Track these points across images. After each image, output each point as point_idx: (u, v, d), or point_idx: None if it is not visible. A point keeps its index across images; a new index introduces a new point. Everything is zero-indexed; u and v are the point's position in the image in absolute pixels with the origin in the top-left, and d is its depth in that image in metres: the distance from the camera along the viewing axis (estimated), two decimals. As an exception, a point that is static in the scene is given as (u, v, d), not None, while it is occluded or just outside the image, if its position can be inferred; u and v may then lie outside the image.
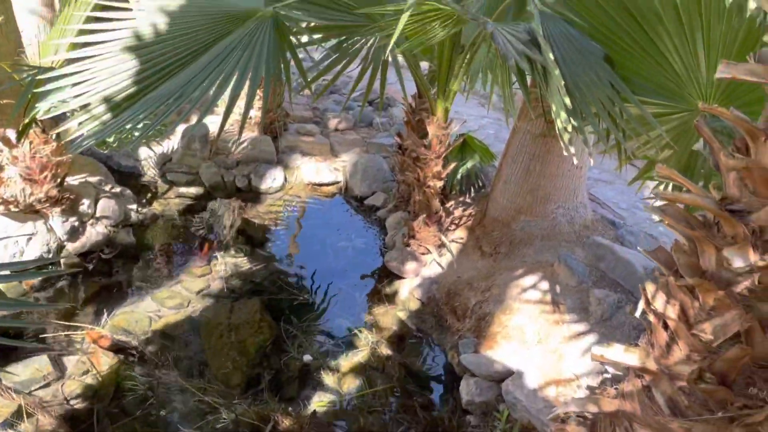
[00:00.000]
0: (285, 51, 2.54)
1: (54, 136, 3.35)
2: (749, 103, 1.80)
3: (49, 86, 2.43)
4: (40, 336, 2.94)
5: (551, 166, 3.31)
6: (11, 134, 3.28)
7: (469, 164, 3.95)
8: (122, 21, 2.48)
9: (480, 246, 3.56)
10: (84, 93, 2.35)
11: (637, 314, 1.72)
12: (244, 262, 3.75)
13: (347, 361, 3.04)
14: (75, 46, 2.78)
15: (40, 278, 3.35)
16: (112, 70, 2.38)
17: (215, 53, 2.41)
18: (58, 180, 3.48)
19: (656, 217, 1.56)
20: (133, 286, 3.45)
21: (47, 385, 2.65)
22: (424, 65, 3.56)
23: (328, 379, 2.90)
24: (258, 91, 2.43)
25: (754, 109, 1.77)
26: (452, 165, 3.54)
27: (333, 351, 3.11)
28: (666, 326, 1.57)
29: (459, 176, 3.95)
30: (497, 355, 2.89)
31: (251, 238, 4.08)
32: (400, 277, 3.64)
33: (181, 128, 4.58)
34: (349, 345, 3.15)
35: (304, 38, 2.72)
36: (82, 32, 2.74)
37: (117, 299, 3.31)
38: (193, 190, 4.49)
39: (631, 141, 2.14)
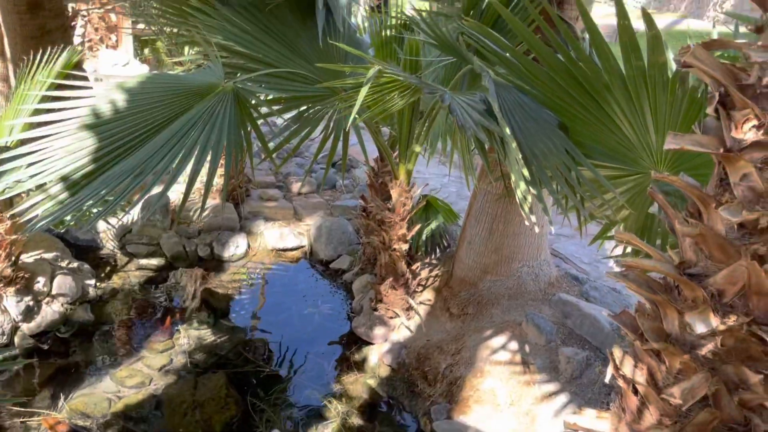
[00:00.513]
0: (246, 124, 2.56)
1: (8, 215, 3.27)
2: (699, 165, 1.86)
3: (3, 167, 2.39)
4: (-8, 425, 2.79)
5: (513, 226, 3.36)
6: (-37, 213, 3.19)
7: (433, 225, 3.98)
8: (79, 99, 2.47)
9: (448, 307, 3.55)
10: (40, 172, 2.31)
11: (607, 380, 1.72)
12: (207, 334, 3.65)
13: (317, 434, 2.95)
14: (31, 126, 2.75)
15: (-8, 363, 3.20)
16: (70, 149, 2.35)
17: (176, 128, 2.40)
18: (13, 259, 3.38)
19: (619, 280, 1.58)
20: (91, 366, 3.32)
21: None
22: (386, 129, 3.63)
23: (299, 454, 2.81)
24: (220, 159, 2.45)
25: (703, 171, 1.83)
26: (417, 227, 3.56)
27: (302, 424, 3.02)
28: (636, 391, 1.57)
29: (424, 237, 3.97)
30: (470, 420, 2.84)
31: (215, 309, 3.99)
32: (368, 343, 3.59)
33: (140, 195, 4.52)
34: (319, 417, 3.07)
35: (265, 109, 2.75)
36: (38, 111, 2.72)
37: (74, 381, 3.17)
38: (154, 262, 4.40)
39: (589, 204, 2.19)
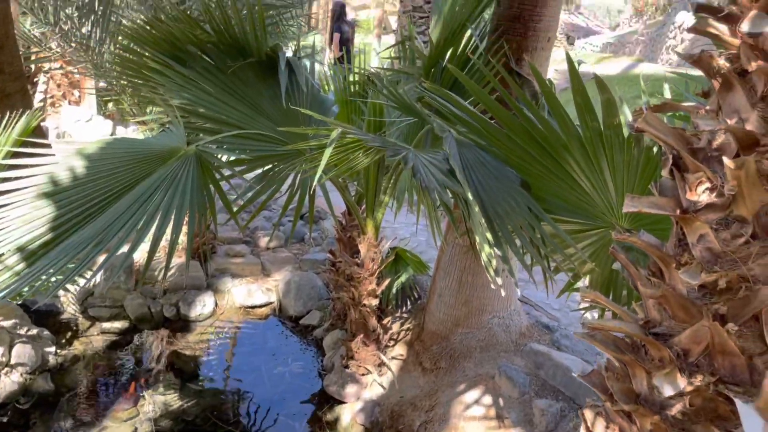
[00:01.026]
0: (209, 186, 2.53)
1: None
2: (660, 219, 1.90)
3: (-44, 239, 2.31)
4: None
5: (482, 277, 3.36)
6: None
7: (403, 278, 3.96)
8: (37, 167, 2.42)
9: (420, 362, 3.51)
10: (-5, 244, 2.24)
11: (580, 440, 1.71)
12: (174, 399, 3.53)
13: (290, 502, 2.85)
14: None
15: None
16: (26, 218, 2.29)
17: (137, 194, 2.37)
18: (-32, 329, 3.25)
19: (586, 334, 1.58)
20: (51, 440, 3.18)
21: None
22: (352, 184, 3.63)
23: None
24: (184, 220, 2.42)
25: (664, 225, 1.86)
26: (386, 281, 3.54)
27: (274, 492, 2.91)
28: (610, 453, 1.56)
29: (394, 290, 3.95)
30: (447, 481, 2.78)
31: (181, 372, 3.87)
32: (341, 402, 3.51)
33: (105, 255, 4.41)
34: (291, 483, 2.97)
35: (229, 171, 2.73)
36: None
37: (33, 456, 3.02)
38: (117, 325, 4.27)
39: (554, 259, 2.21)
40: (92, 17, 3.70)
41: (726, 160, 1.24)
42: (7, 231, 2.27)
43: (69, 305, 4.32)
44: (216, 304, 4.54)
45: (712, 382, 1.33)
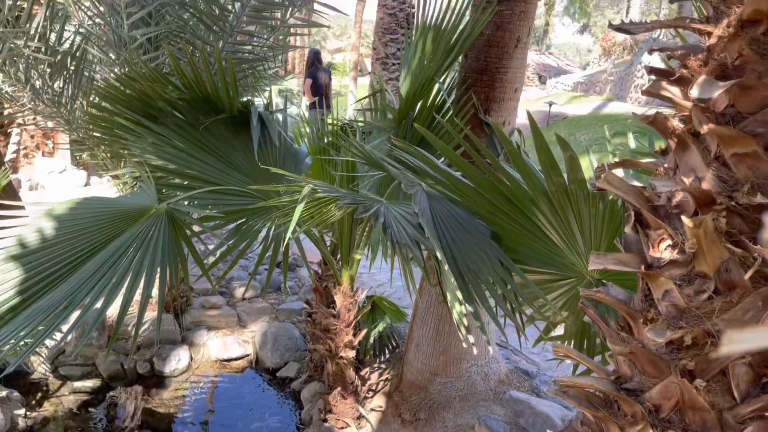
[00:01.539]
0: (181, 244, 2.52)
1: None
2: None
3: None
4: None
5: (459, 325, 3.35)
6: None
7: (380, 327, 3.93)
8: (5, 229, 2.39)
9: (399, 413, 3.46)
10: (-40, 310, 2.19)
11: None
12: (148, 461, 3.43)
13: None
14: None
15: None
16: (-7, 283, 2.25)
17: (108, 254, 2.35)
18: (-69, 394, 3.14)
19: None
20: None
21: None
22: (328, 234, 3.63)
23: None
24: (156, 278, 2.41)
25: (633, 276, 1.88)
26: (363, 331, 3.51)
27: None
28: None
29: (372, 340, 3.92)
30: None
31: (156, 430, 3.77)
32: (319, 457, 3.44)
33: (75, 315, 4.33)
34: None
35: (201, 227, 2.72)
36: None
37: None
38: (89, 384, 4.16)
39: (526, 309, 2.21)
40: (64, 73, 3.72)
41: (685, 219, 1.27)
42: (-27, 296, 2.22)
43: (39, 365, 4.21)
44: (191, 358, 4.45)
45: (684, 438, 1.34)
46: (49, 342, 4.03)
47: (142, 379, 4.26)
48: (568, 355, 1.63)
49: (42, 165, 8.54)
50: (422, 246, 1.95)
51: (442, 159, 2.46)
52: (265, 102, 3.66)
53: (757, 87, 1.19)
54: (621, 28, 1.35)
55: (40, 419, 3.74)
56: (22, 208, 2.47)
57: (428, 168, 2.07)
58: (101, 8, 3.75)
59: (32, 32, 3.42)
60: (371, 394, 3.70)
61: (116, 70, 3.69)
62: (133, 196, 2.69)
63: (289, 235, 2.30)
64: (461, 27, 2.79)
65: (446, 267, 1.69)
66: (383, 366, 3.91)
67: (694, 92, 1.19)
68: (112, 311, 4.43)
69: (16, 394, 3.74)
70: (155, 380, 4.26)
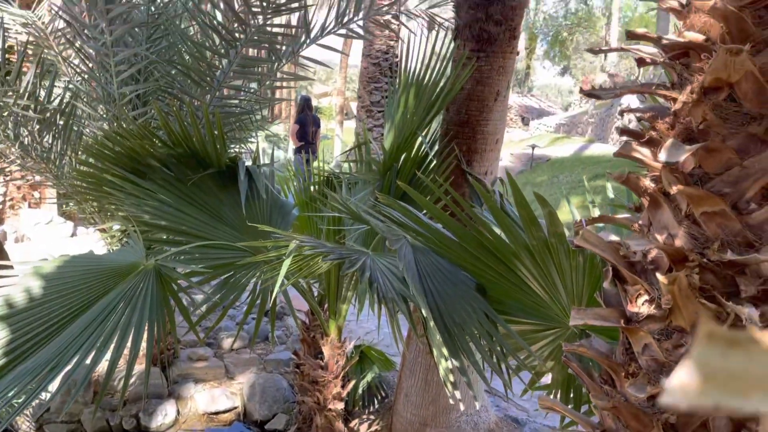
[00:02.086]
0: (169, 300, 2.53)
1: None
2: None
3: None
4: None
5: (448, 374, 3.35)
6: None
7: (369, 377, 3.92)
8: (-8, 289, 2.39)
9: (390, 465, 3.43)
10: (-56, 373, 2.17)
11: None
12: None
13: None
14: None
15: None
16: (-21, 345, 2.24)
17: (95, 313, 2.35)
18: None
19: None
20: None
21: None
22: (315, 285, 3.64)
23: None
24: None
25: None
26: (352, 382, 3.50)
27: None
28: None
29: (360, 390, 3.90)
30: None
31: (142, 489, 3.69)
32: None
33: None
34: None
35: (189, 282, 2.73)
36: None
37: None
38: (74, 441, 4.09)
39: (513, 359, 2.23)
40: (53, 130, 3.76)
41: (659, 276, 1.31)
42: (-43, 359, 2.21)
43: (23, 422, 4.13)
44: (178, 412, 4.38)
45: (670, 491, 1.36)
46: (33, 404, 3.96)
47: (128, 435, 4.19)
48: (553, 408, 1.65)
49: (28, 216, 8.50)
50: (408, 300, 1.97)
51: (426, 211, 2.51)
52: (253, 151, 3.72)
53: (721, 150, 1.25)
54: (591, 94, 1.41)
55: (23, 480, 3.66)
56: (10, 267, 2.47)
57: (412, 223, 2.11)
58: (91, 65, 3.83)
59: (21, 90, 3.47)
60: (361, 445, 3.66)
61: (105, 125, 3.74)
62: (120, 252, 2.71)
63: (277, 289, 2.33)
64: (442, 83, 2.88)
65: (432, 324, 1.72)
66: (372, 417, 3.88)
67: (662, 156, 1.25)
68: (99, 366, 4.37)
69: (-2, 454, 3.65)
70: (141, 436, 4.19)
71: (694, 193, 1.27)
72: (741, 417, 1.30)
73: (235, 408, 4.53)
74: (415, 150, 3.05)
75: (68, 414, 4.13)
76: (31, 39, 4.14)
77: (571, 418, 1.60)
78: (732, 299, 1.28)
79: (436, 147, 3.14)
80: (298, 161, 9.76)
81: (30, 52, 4.13)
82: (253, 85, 4.16)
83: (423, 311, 1.73)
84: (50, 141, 3.70)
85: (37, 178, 4.12)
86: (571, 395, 2.27)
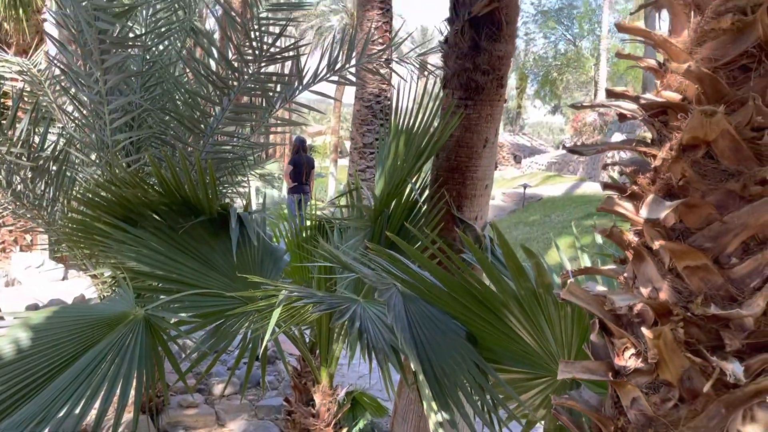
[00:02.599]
0: (158, 350, 2.51)
1: None
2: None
3: None
4: None
5: (441, 421, 3.31)
6: None
7: (361, 424, 3.87)
8: (-20, 341, 2.37)
9: None
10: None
11: None
12: None
13: None
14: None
15: None
16: (-36, 399, 2.21)
17: (84, 364, 2.33)
18: None
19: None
20: None
21: None
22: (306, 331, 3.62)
23: None
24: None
25: (604, 376, 1.91)
26: (344, 430, 3.45)
27: None
28: None
29: (353, 437, 3.84)
30: None
31: None
32: None
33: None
34: None
35: (179, 331, 2.72)
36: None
37: None
38: (60, 493, 3.98)
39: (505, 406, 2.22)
40: (46, 176, 3.78)
41: (645, 330, 1.32)
42: (-58, 414, 2.18)
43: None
44: (167, 462, 4.31)
45: None
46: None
47: (116, 486, 4.07)
48: (544, 460, 1.64)
49: (19, 260, 8.46)
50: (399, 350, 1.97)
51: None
52: (247, 191, 3.75)
53: (701, 206, 1.28)
54: (574, 150, 1.45)
55: None
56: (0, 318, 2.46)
57: (401, 273, 2.12)
58: (85, 112, 3.87)
59: (15, 139, 3.50)
60: (354, 495, 3.59)
61: (98, 171, 3.76)
62: (110, 302, 2.70)
63: (267, 337, 2.32)
64: (431, 131, 2.92)
65: (422, 377, 1.72)
66: (366, 465, 3.81)
67: (644, 213, 1.27)
68: (88, 416, 4.30)
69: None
70: (129, 487, 4.10)
71: (676, 248, 1.29)
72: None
73: (226, 457, 4.45)
74: (405, 196, 3.08)
75: (54, 465, 4.04)
76: (26, 87, 4.19)
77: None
78: (717, 353, 1.29)
79: (427, 192, 3.18)
80: (291, 202, 9.82)
81: (25, 98, 4.19)
82: (247, 130, 4.21)
83: (412, 364, 1.73)
84: (43, 188, 3.72)
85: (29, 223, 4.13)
86: (565, 444, 2.25)
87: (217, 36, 5.74)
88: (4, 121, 3.61)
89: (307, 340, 3.48)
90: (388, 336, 2.05)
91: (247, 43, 3.61)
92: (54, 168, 3.79)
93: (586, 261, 2.56)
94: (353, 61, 4.16)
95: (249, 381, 5.36)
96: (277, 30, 3.75)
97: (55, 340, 2.40)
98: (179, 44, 4.21)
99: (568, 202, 13.24)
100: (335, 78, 4.12)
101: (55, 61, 4.04)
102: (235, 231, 3.02)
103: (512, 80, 40.25)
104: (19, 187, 3.70)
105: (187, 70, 4.30)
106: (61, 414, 2.13)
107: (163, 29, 4.02)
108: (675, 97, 1.30)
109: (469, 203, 3.13)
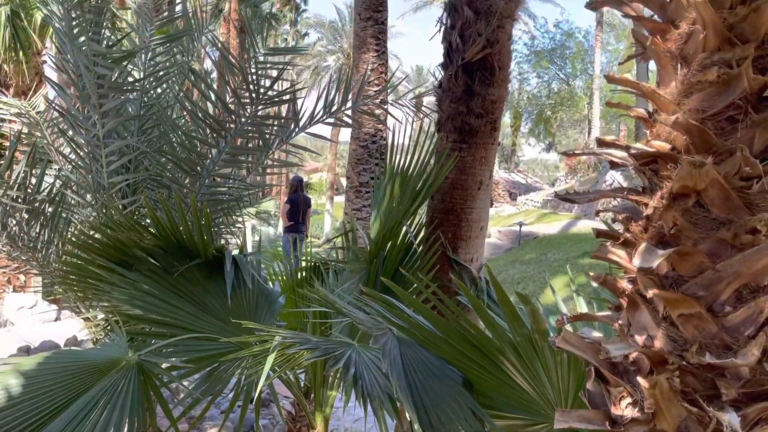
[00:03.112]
0: (151, 397, 2.48)
1: None
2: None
3: None
4: None
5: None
6: None
7: (357, 469, 3.79)
8: (-31, 388, 2.33)
9: None
10: None
11: None
12: None
13: None
14: None
15: None
16: (-49, 448, 2.17)
17: (74, 412, 2.29)
18: None
19: None
20: None
21: None
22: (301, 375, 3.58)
23: None
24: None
25: (602, 423, 1.88)
26: (339, 476, 3.39)
27: None
28: None
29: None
30: None
31: None
32: None
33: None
34: None
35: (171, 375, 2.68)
36: None
37: None
38: None
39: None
40: (41, 219, 3.78)
41: (641, 379, 1.31)
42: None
43: None
44: None
45: None
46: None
47: None
48: None
49: (12, 300, 8.39)
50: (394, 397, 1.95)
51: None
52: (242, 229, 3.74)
53: (693, 254, 1.28)
54: (566, 198, 1.46)
55: None
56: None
57: (396, 319, 2.11)
58: (81, 154, 3.89)
59: (11, 182, 3.51)
60: None
61: (93, 213, 3.76)
62: (103, 347, 2.67)
63: (261, 383, 2.29)
64: (426, 173, 2.95)
65: (416, 426, 1.70)
66: None
67: (636, 262, 1.28)
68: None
69: None
70: None
71: (670, 296, 1.29)
72: None
73: (219, 504, 4.34)
74: (401, 238, 3.08)
75: None
76: (23, 129, 4.22)
77: None
78: (714, 402, 1.28)
79: (422, 234, 3.18)
80: (286, 242, 9.80)
81: (23, 139, 4.21)
82: (243, 172, 4.23)
83: (408, 412, 1.71)
84: (38, 230, 3.71)
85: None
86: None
87: (214, 76, 5.82)
88: (1, 163, 3.63)
89: (302, 383, 3.43)
90: (384, 382, 2.03)
91: (245, 86, 3.65)
92: (50, 210, 3.79)
93: (581, 304, 2.55)
94: (349, 103, 4.21)
95: (243, 425, 5.27)
96: (274, 73, 3.81)
97: (47, 386, 2.37)
98: (177, 87, 4.26)
99: (563, 241, 13.25)
100: (331, 120, 4.17)
101: (54, 104, 4.08)
102: (230, 274, 3.01)
103: (507, 118, 40.74)
104: (14, 229, 3.70)
105: (184, 112, 4.34)
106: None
107: (161, 73, 4.08)
108: (664, 146, 1.32)
109: (464, 245, 3.13)
